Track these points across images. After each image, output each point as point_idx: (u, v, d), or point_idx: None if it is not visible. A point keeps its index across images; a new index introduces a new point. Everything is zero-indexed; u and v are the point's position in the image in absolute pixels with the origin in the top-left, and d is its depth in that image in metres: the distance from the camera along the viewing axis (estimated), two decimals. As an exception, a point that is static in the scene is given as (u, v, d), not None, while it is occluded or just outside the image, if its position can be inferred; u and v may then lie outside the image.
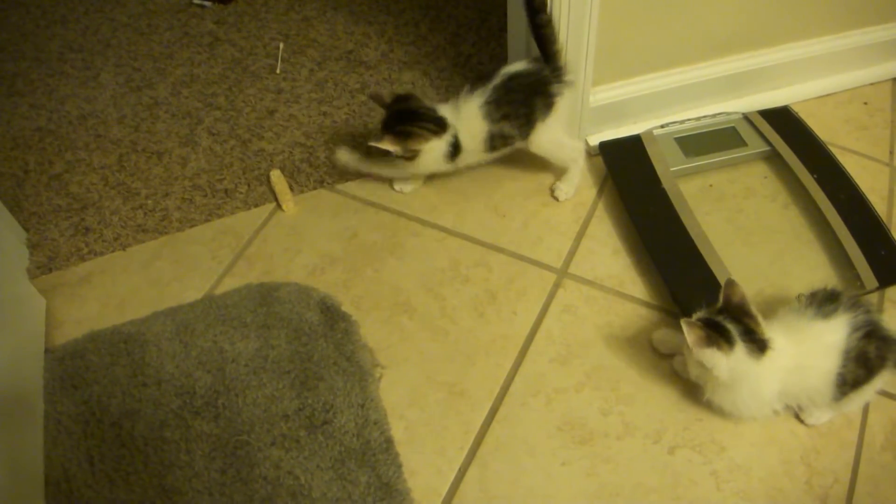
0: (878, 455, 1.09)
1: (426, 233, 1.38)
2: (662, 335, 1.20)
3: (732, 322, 1.01)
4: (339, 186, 1.46)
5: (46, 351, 1.19)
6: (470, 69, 1.68)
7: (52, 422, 1.11)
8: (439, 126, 1.30)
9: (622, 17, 1.33)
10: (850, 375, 1.02)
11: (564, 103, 1.32)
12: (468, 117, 1.29)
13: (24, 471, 1.02)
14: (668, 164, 1.40)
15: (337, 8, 1.88)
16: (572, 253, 1.35)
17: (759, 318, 1.03)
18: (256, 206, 1.43)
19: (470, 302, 1.27)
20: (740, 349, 1.00)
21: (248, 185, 1.46)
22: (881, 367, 1.04)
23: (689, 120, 1.49)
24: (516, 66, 1.30)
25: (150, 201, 1.44)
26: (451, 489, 1.06)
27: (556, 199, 1.42)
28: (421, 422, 1.13)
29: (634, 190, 1.38)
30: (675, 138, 1.46)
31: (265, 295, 1.25)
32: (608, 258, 1.33)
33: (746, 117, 1.50)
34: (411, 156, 1.31)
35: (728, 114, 1.51)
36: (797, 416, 1.12)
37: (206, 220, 1.41)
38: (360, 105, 1.61)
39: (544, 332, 1.23)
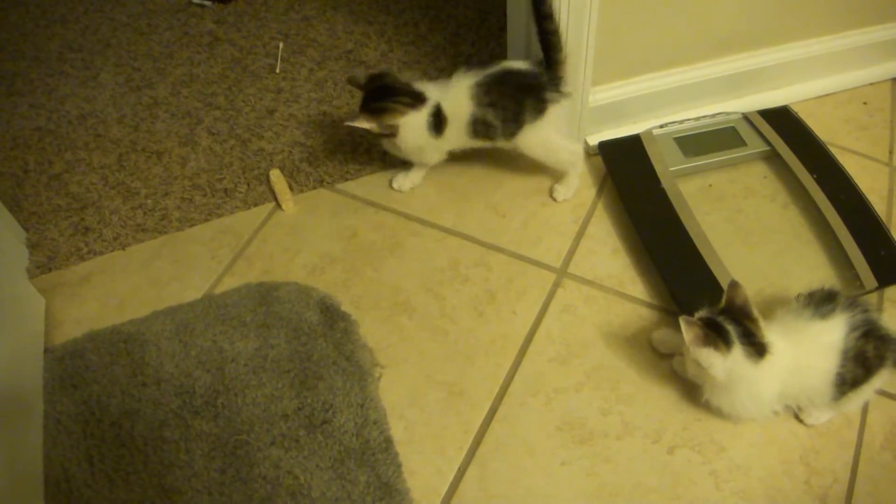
0: (877, 454, 1.09)
1: (426, 232, 1.38)
2: (662, 335, 1.20)
3: (733, 323, 1.01)
4: (339, 186, 1.46)
5: (46, 350, 1.19)
6: (470, 69, 1.68)
7: (51, 421, 1.11)
8: (415, 99, 1.30)
9: (622, 16, 1.33)
10: (848, 375, 1.02)
11: (559, 111, 1.31)
12: (457, 94, 1.29)
13: (24, 470, 1.02)
14: (668, 164, 1.40)
15: (337, 8, 1.88)
16: (572, 253, 1.35)
17: (761, 322, 1.02)
18: (256, 205, 1.43)
19: (469, 302, 1.27)
20: (738, 351, 1.00)
21: (248, 185, 1.46)
22: (880, 366, 1.04)
23: (688, 120, 1.49)
24: (517, 63, 1.30)
25: (149, 201, 1.44)
26: (451, 489, 1.06)
27: (555, 199, 1.42)
28: (420, 421, 1.13)
29: (634, 190, 1.38)
30: (675, 138, 1.46)
31: (265, 294, 1.25)
32: (608, 258, 1.33)
33: (746, 117, 1.50)
34: (391, 132, 1.31)
35: (727, 114, 1.51)
36: (796, 416, 1.12)
37: (206, 220, 1.41)
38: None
39: (544, 331, 1.23)
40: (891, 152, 1.52)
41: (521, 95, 1.28)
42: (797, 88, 1.61)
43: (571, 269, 1.32)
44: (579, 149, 1.40)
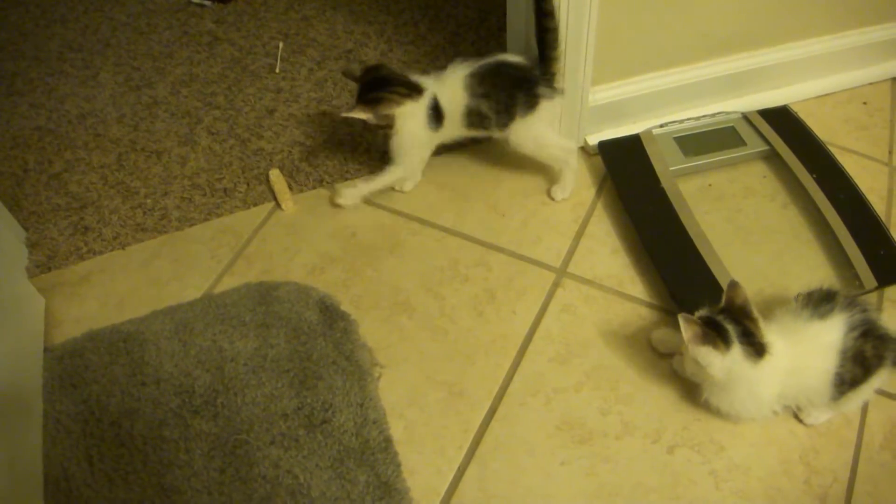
0: (876, 454, 1.09)
1: (425, 232, 1.38)
2: (662, 335, 1.20)
3: (732, 323, 1.01)
4: (339, 186, 1.46)
5: (45, 350, 1.19)
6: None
7: (51, 421, 1.11)
8: (412, 89, 1.29)
9: (622, 16, 1.33)
10: (847, 375, 1.02)
11: (550, 107, 1.32)
12: (452, 85, 1.29)
13: (23, 470, 1.02)
14: (668, 164, 1.40)
15: (336, 7, 1.88)
16: (571, 252, 1.35)
17: (760, 322, 1.02)
18: (255, 205, 1.43)
19: (469, 301, 1.27)
20: (737, 351, 1.00)
21: (248, 185, 1.46)
22: (879, 365, 1.04)
23: (688, 119, 1.49)
24: (512, 57, 1.31)
25: (149, 200, 1.44)
26: (451, 488, 1.06)
27: (553, 199, 1.42)
28: (420, 421, 1.13)
29: (633, 189, 1.38)
30: (675, 138, 1.46)
31: (264, 294, 1.25)
32: (607, 258, 1.33)
33: (745, 117, 1.50)
34: (387, 123, 1.30)
35: (727, 113, 1.51)
36: (796, 416, 1.12)
37: (206, 220, 1.41)
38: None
39: (543, 331, 1.23)
40: (890, 152, 1.52)
41: (513, 88, 1.28)
42: (797, 88, 1.61)
43: (571, 269, 1.32)
44: (572, 146, 1.40)
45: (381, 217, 1.41)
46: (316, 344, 1.18)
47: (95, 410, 1.11)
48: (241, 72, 1.71)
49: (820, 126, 1.50)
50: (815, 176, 1.38)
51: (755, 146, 1.45)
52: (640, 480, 1.07)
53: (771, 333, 1.03)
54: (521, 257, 1.34)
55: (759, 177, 1.45)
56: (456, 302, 1.27)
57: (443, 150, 1.50)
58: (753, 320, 1.02)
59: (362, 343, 1.21)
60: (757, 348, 1.00)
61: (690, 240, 1.27)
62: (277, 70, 1.71)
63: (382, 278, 1.31)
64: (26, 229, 1.39)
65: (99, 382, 1.14)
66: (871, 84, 1.66)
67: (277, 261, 1.34)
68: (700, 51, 1.47)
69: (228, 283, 1.30)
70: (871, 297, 1.26)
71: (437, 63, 1.69)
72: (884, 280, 1.23)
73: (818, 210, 1.33)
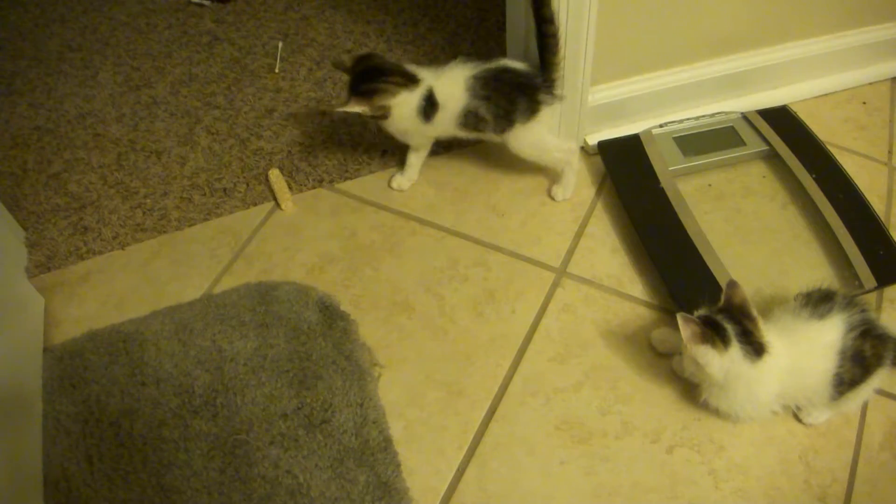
0: (876, 454, 1.09)
1: (425, 232, 1.38)
2: (661, 334, 1.20)
3: (731, 322, 1.01)
4: (338, 185, 1.46)
5: (45, 350, 1.19)
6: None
7: (50, 421, 1.11)
8: (407, 79, 1.28)
9: (621, 16, 1.33)
10: (847, 375, 1.03)
11: (551, 113, 1.32)
12: (452, 83, 1.29)
13: (23, 470, 1.02)
14: (667, 164, 1.40)
15: (336, 7, 1.88)
16: (571, 252, 1.35)
17: (760, 322, 1.03)
18: (255, 205, 1.43)
19: (469, 301, 1.27)
20: (736, 350, 1.00)
21: (247, 185, 1.46)
22: (878, 365, 1.04)
23: (687, 119, 1.49)
24: (515, 63, 1.30)
25: (148, 200, 1.44)
26: (450, 488, 1.06)
27: (554, 199, 1.42)
28: (420, 421, 1.13)
29: (633, 189, 1.38)
30: (674, 138, 1.46)
31: (264, 294, 1.25)
32: (607, 257, 1.33)
33: (745, 117, 1.50)
34: (382, 114, 1.29)
35: (726, 113, 1.51)
36: (795, 416, 1.12)
37: (205, 220, 1.41)
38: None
39: (543, 331, 1.23)
40: (890, 152, 1.52)
41: (515, 94, 1.28)
42: (796, 88, 1.61)
43: (571, 269, 1.32)
44: (573, 146, 1.40)
45: (380, 217, 1.41)
46: (315, 344, 1.18)
47: (95, 410, 1.11)
48: (241, 71, 1.71)
49: (819, 126, 1.50)
50: (814, 176, 1.38)
51: (754, 146, 1.45)
52: (640, 480, 1.07)
53: (770, 333, 1.03)
54: (521, 257, 1.34)
55: (758, 177, 1.45)
56: (455, 302, 1.27)
57: (442, 150, 1.50)
58: (752, 320, 1.02)
59: (362, 343, 1.21)
60: (756, 348, 1.00)
61: (690, 239, 1.27)
62: (277, 70, 1.71)
63: (382, 278, 1.31)
64: (26, 229, 1.39)
65: (98, 382, 1.14)
66: (870, 84, 1.66)
67: (277, 261, 1.34)
68: (699, 51, 1.47)
69: (228, 283, 1.30)
70: (871, 297, 1.26)
71: (436, 63, 1.68)
72: (883, 280, 1.23)
73: (817, 210, 1.33)
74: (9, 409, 1.04)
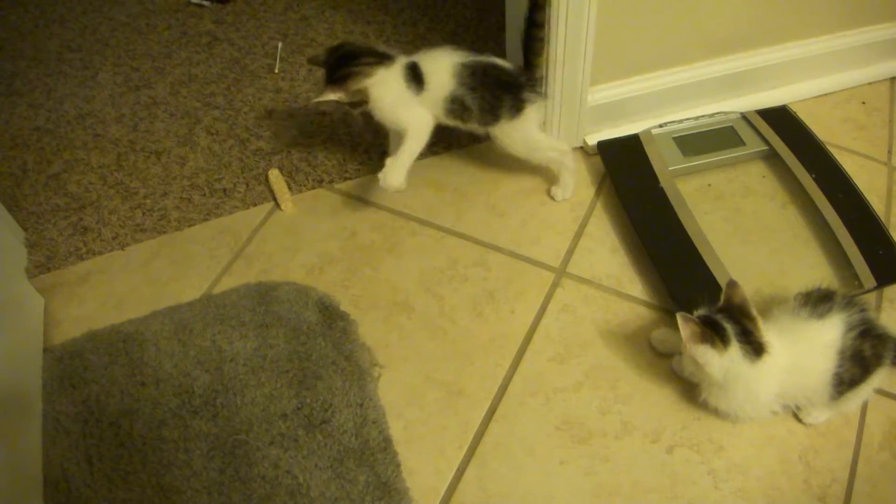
0: (876, 454, 1.09)
1: (424, 232, 1.38)
2: (661, 334, 1.20)
3: (730, 322, 1.01)
4: (338, 186, 1.46)
5: (45, 350, 1.19)
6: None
7: (50, 421, 1.11)
8: (380, 57, 1.27)
9: (620, 16, 1.33)
10: (846, 375, 1.03)
11: (536, 111, 1.32)
12: (439, 65, 1.28)
13: (23, 470, 1.02)
14: (667, 164, 1.40)
15: (335, 7, 1.88)
16: (570, 252, 1.35)
17: (759, 321, 1.03)
18: (255, 205, 1.43)
19: (468, 301, 1.27)
20: (735, 350, 1.00)
21: (247, 185, 1.46)
22: (878, 365, 1.04)
23: (687, 119, 1.49)
24: (501, 61, 1.31)
25: (148, 201, 1.44)
26: (450, 488, 1.06)
27: (553, 199, 1.42)
28: (419, 421, 1.13)
29: (633, 189, 1.38)
30: (674, 138, 1.46)
31: (263, 294, 1.25)
32: (606, 257, 1.34)
33: (744, 117, 1.50)
34: (361, 98, 1.27)
35: (726, 113, 1.51)
36: (795, 416, 1.12)
37: (205, 220, 1.41)
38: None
39: (543, 331, 1.23)
40: (889, 152, 1.52)
41: (499, 91, 1.28)
42: (796, 88, 1.61)
43: (570, 269, 1.32)
44: (565, 147, 1.39)
45: (380, 217, 1.41)
46: (315, 344, 1.18)
47: (95, 411, 1.11)
48: (241, 72, 1.71)
49: (819, 126, 1.50)
50: (814, 175, 1.38)
51: (754, 146, 1.46)
52: (640, 480, 1.07)
53: (769, 333, 1.03)
54: (521, 257, 1.34)
55: (758, 176, 1.45)
56: (455, 302, 1.27)
57: (442, 150, 1.50)
58: (752, 319, 1.02)
59: (361, 343, 1.21)
60: (755, 347, 1.01)
61: (689, 239, 1.27)
62: (276, 70, 1.71)
63: (381, 278, 1.31)
64: (25, 230, 1.39)
65: (98, 383, 1.14)
66: (869, 84, 1.66)
67: (277, 261, 1.34)
68: (699, 51, 1.48)
69: (228, 283, 1.30)
70: (871, 297, 1.26)
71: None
72: (883, 279, 1.23)
73: (817, 210, 1.33)
74: (9, 409, 1.04)
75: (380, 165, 1.46)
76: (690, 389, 1.13)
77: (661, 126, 1.48)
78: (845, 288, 1.21)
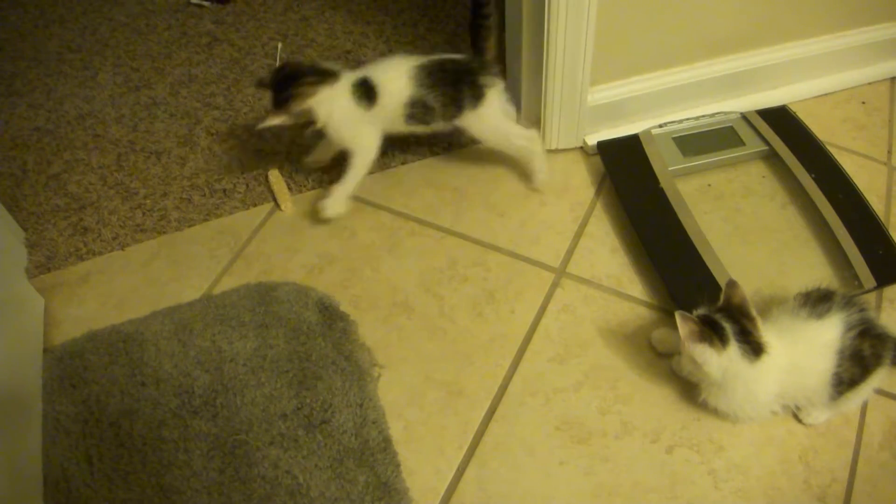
0: (876, 454, 1.09)
1: (424, 232, 1.38)
2: (661, 334, 1.20)
3: (730, 321, 1.01)
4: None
5: (45, 350, 1.19)
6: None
7: (50, 421, 1.11)
8: (322, 75, 1.27)
9: (620, 16, 1.33)
10: (846, 374, 1.03)
11: (497, 95, 1.33)
12: (394, 73, 1.29)
13: (23, 470, 1.02)
14: (666, 164, 1.40)
15: (335, 8, 1.88)
16: (570, 252, 1.35)
17: (759, 322, 1.03)
18: (255, 205, 1.43)
19: (468, 301, 1.27)
20: (734, 349, 1.00)
21: (247, 185, 1.46)
22: (877, 364, 1.04)
23: (687, 119, 1.49)
24: (454, 55, 1.33)
25: (148, 201, 1.44)
26: (450, 488, 1.06)
27: (534, 186, 1.43)
28: (419, 421, 1.13)
29: (632, 189, 1.38)
30: (674, 138, 1.46)
31: (263, 294, 1.25)
32: (606, 257, 1.34)
33: (744, 117, 1.50)
34: (308, 119, 1.27)
35: (726, 113, 1.51)
36: (795, 416, 1.12)
37: (205, 220, 1.41)
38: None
39: (542, 331, 1.23)
40: (889, 152, 1.52)
41: (459, 82, 1.30)
42: (795, 88, 1.61)
43: (570, 269, 1.32)
44: (534, 133, 1.40)
45: (379, 217, 1.41)
46: (315, 344, 1.18)
47: (95, 411, 1.11)
48: (241, 72, 1.71)
49: (819, 126, 1.50)
50: (813, 176, 1.38)
51: (754, 146, 1.46)
52: (639, 480, 1.07)
53: (769, 333, 1.03)
54: (520, 257, 1.34)
55: (758, 177, 1.45)
56: (455, 302, 1.27)
57: (442, 150, 1.51)
58: (751, 319, 1.02)
59: (361, 343, 1.21)
60: (754, 347, 1.01)
61: (689, 239, 1.27)
62: (276, 70, 1.71)
63: (381, 278, 1.31)
64: (25, 230, 1.39)
65: (98, 383, 1.14)
66: (869, 84, 1.66)
67: (276, 261, 1.34)
68: (699, 51, 1.48)
69: (228, 283, 1.30)
70: (870, 297, 1.26)
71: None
72: (882, 279, 1.23)
73: (817, 210, 1.33)
74: (9, 409, 1.04)
75: (379, 166, 1.47)
76: (690, 389, 1.14)
77: (660, 126, 1.48)
78: (845, 288, 1.21)
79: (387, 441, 1.08)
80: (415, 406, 1.15)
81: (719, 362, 1.00)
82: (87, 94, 1.67)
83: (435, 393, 1.16)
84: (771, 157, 1.46)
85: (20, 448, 1.03)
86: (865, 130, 1.56)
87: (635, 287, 1.29)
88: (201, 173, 1.49)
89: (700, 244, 1.26)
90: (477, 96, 1.31)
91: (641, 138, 1.45)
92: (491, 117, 1.34)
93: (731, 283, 1.04)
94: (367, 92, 1.28)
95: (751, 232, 1.35)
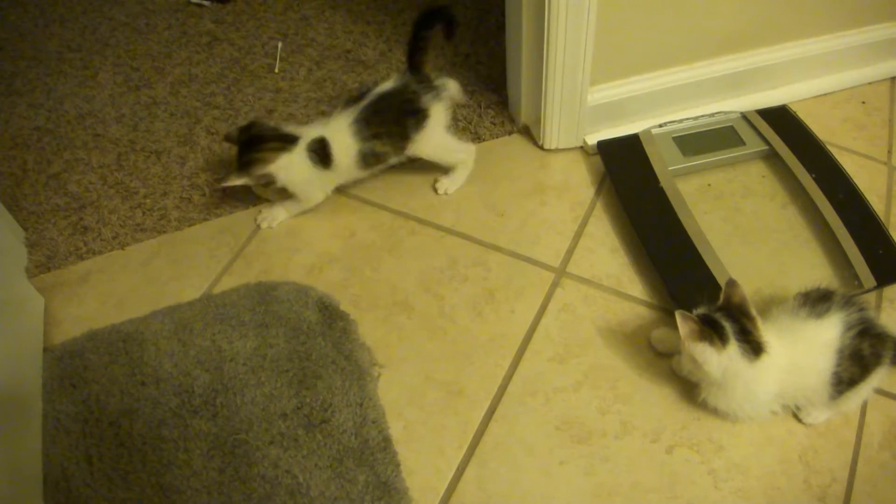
0: (875, 454, 1.09)
1: (424, 232, 1.38)
2: (661, 334, 1.20)
3: (729, 321, 1.01)
4: (338, 186, 1.46)
5: (45, 350, 1.19)
6: (468, 68, 1.68)
7: (50, 421, 1.11)
8: (284, 141, 1.30)
9: (620, 16, 1.33)
10: (845, 374, 1.03)
11: (440, 110, 1.34)
12: (340, 134, 1.30)
13: (23, 470, 1.02)
14: (667, 164, 1.40)
15: (335, 7, 1.88)
16: (570, 252, 1.35)
17: (759, 321, 1.03)
18: (255, 205, 1.43)
19: (468, 301, 1.27)
20: (734, 349, 1.00)
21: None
22: (877, 364, 1.04)
23: (687, 119, 1.49)
24: (385, 85, 1.33)
25: (148, 200, 1.44)
26: (450, 488, 1.06)
27: (436, 191, 1.43)
28: (419, 421, 1.13)
29: (632, 189, 1.38)
30: (674, 137, 1.46)
31: (263, 294, 1.25)
32: (606, 257, 1.34)
33: (744, 117, 1.50)
34: (269, 181, 1.31)
35: (726, 113, 1.51)
36: (795, 416, 1.12)
37: (205, 220, 1.41)
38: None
39: (542, 331, 1.23)
40: (889, 151, 1.52)
41: (400, 117, 1.31)
42: (796, 88, 1.61)
43: (570, 269, 1.32)
44: (472, 147, 1.43)
45: (380, 217, 1.41)
46: (315, 344, 1.18)
47: (95, 410, 1.11)
48: (241, 72, 1.71)
49: (819, 126, 1.50)
50: (813, 175, 1.38)
51: (754, 146, 1.46)
52: (639, 480, 1.07)
53: (769, 333, 1.03)
54: (520, 257, 1.34)
55: (758, 176, 1.45)
56: (455, 301, 1.27)
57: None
58: (751, 319, 1.02)
59: (361, 342, 1.21)
60: (754, 347, 1.01)
61: (689, 239, 1.27)
62: (276, 70, 1.71)
63: (381, 278, 1.31)
64: (26, 229, 1.39)
65: (98, 382, 1.14)
66: (869, 84, 1.66)
67: (276, 261, 1.34)
68: (699, 50, 1.48)
69: (227, 283, 1.30)
70: (870, 297, 1.26)
71: (435, 63, 1.69)
72: (882, 279, 1.23)
73: (817, 209, 1.33)
74: (8, 408, 1.04)
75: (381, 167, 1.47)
76: (690, 389, 1.14)
77: (660, 126, 1.48)
78: (845, 288, 1.21)
79: (387, 440, 1.08)
80: (415, 406, 1.15)
81: (719, 361, 1.00)
82: (87, 94, 1.67)
83: (435, 393, 1.16)
84: (771, 157, 1.46)
85: (20, 447, 1.03)
86: (865, 130, 1.56)
87: (635, 287, 1.29)
88: (201, 172, 1.49)
89: (700, 244, 1.26)
90: (420, 121, 1.32)
91: (641, 138, 1.45)
92: (435, 135, 1.35)
93: (731, 283, 1.04)
94: (322, 154, 1.30)
95: (751, 232, 1.35)
